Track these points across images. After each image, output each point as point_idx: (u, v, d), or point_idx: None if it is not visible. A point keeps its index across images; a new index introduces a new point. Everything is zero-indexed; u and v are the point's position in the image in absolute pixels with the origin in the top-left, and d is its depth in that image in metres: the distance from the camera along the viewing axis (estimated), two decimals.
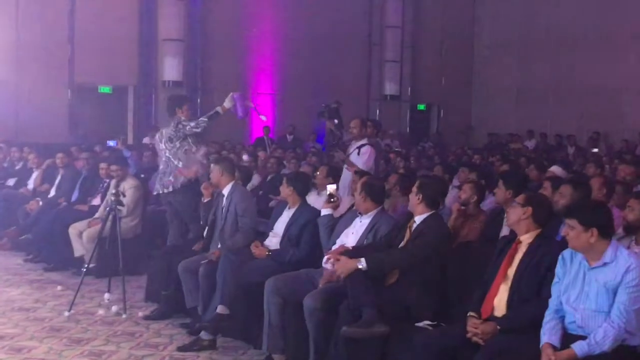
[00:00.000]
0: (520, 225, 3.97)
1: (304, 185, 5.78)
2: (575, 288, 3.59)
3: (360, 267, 4.30)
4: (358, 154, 7.28)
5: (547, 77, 17.67)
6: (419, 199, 4.59)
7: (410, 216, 4.73)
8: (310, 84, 16.60)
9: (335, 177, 6.55)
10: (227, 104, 6.85)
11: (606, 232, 3.55)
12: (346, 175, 7.11)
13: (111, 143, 13.00)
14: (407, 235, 4.57)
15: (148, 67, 15.65)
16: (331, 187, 5.41)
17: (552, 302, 3.66)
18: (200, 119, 6.86)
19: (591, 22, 16.46)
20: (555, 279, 3.69)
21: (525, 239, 3.94)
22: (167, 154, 6.81)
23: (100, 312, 6.12)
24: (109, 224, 6.46)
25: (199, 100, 16.28)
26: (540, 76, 17.79)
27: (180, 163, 6.75)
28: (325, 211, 5.36)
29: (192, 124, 6.77)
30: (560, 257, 3.69)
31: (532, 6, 17.93)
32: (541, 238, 3.94)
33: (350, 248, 4.72)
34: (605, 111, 16.08)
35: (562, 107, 17.20)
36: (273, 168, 8.91)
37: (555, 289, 3.67)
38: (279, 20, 16.93)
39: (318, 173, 6.66)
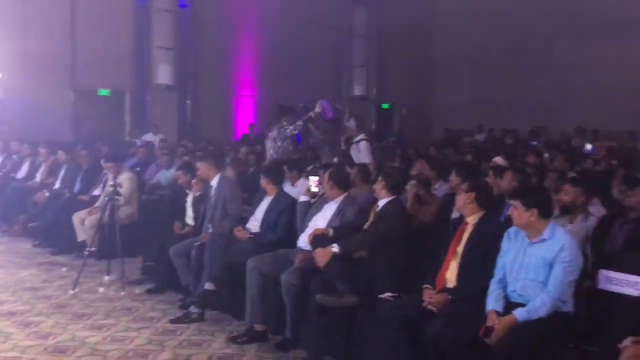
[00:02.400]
0: (466, 209, 4.00)
1: (277, 175, 5.75)
2: (517, 261, 3.62)
3: (334, 251, 4.33)
4: (358, 149, 7.26)
5: (498, 88, 17.77)
6: (382, 185, 4.62)
7: (374, 201, 4.75)
8: (284, 85, 16.44)
9: (299, 171, 6.67)
10: (317, 109, 7.52)
11: (545, 213, 3.60)
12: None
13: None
14: (372, 217, 4.59)
15: (143, 72, 15.46)
16: (312, 179, 5.41)
17: (497, 273, 3.69)
18: (297, 123, 7.59)
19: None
20: (501, 253, 3.72)
21: (471, 220, 3.97)
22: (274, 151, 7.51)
23: (101, 290, 6.08)
24: (107, 212, 6.41)
25: (188, 102, 16.14)
26: (492, 88, 17.85)
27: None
28: (303, 198, 5.39)
29: (291, 127, 7.75)
30: (506, 233, 3.73)
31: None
32: (485, 219, 3.96)
33: (323, 230, 4.71)
34: (542, 108, 16.26)
35: (509, 107, 17.36)
36: (252, 162, 8.84)
37: (500, 261, 3.70)
38: (259, 27, 16.74)
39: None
